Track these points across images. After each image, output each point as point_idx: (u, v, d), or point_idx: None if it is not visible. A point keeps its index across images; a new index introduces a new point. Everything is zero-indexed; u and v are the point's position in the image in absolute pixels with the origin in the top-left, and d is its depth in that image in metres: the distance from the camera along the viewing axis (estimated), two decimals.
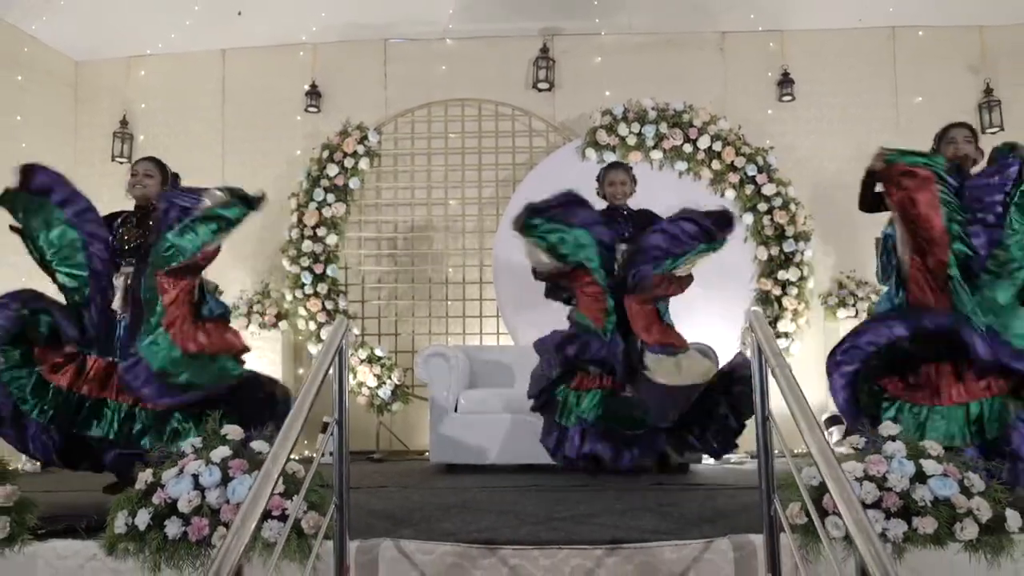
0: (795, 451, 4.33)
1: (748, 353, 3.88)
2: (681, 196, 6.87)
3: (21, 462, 6.09)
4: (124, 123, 7.62)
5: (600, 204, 5.19)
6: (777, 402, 2.87)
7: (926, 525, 2.94)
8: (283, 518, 3.00)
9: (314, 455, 3.22)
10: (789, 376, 2.82)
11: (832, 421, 6.58)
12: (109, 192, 7.37)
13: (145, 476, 3.26)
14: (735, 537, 3.14)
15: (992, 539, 2.95)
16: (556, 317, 5.74)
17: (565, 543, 3.15)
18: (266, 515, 2.93)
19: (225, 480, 3.14)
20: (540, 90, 7.50)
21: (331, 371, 3.09)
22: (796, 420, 2.59)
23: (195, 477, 3.16)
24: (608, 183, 5.16)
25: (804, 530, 2.99)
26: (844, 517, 2.16)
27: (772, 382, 3.01)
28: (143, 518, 3.10)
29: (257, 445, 3.38)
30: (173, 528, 3.06)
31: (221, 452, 3.25)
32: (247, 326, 6.92)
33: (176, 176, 4.84)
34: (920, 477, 3.03)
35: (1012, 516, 2.99)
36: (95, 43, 7.52)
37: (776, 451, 3.16)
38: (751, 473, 5.31)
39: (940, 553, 2.95)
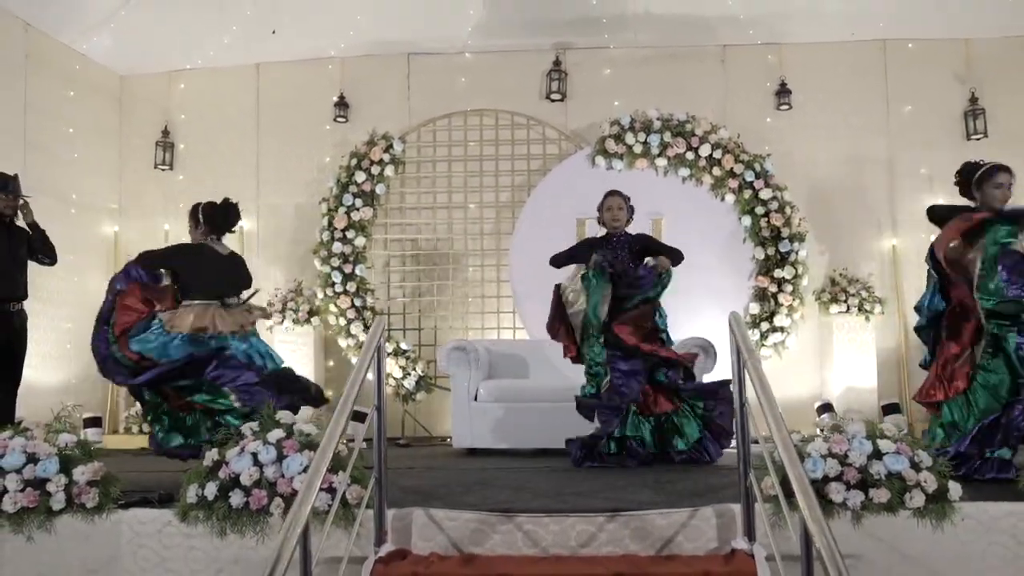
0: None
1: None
2: (684, 201, 7.42)
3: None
4: (165, 133, 8.16)
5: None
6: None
7: (881, 495, 3.44)
8: (330, 491, 3.51)
9: (351, 441, 3.74)
10: (760, 371, 3.33)
11: (824, 408, 7.07)
12: (151, 196, 8.02)
13: (212, 455, 3.81)
14: (717, 506, 3.67)
15: (937, 507, 3.45)
16: None
17: (571, 511, 3.69)
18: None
19: (280, 457, 3.69)
20: (553, 101, 7.98)
21: (370, 366, 3.63)
22: (762, 408, 3.11)
23: (254, 455, 3.71)
24: (606, 208, 5.53)
25: (775, 500, 3.50)
26: (794, 486, 2.67)
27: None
28: (211, 490, 3.64)
29: (306, 428, 3.93)
30: (236, 499, 3.61)
31: (276, 434, 3.79)
32: (282, 322, 7.47)
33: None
34: (877, 454, 3.54)
35: (954, 487, 3.49)
36: (138, 59, 8.07)
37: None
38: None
39: (892, 519, 3.46)
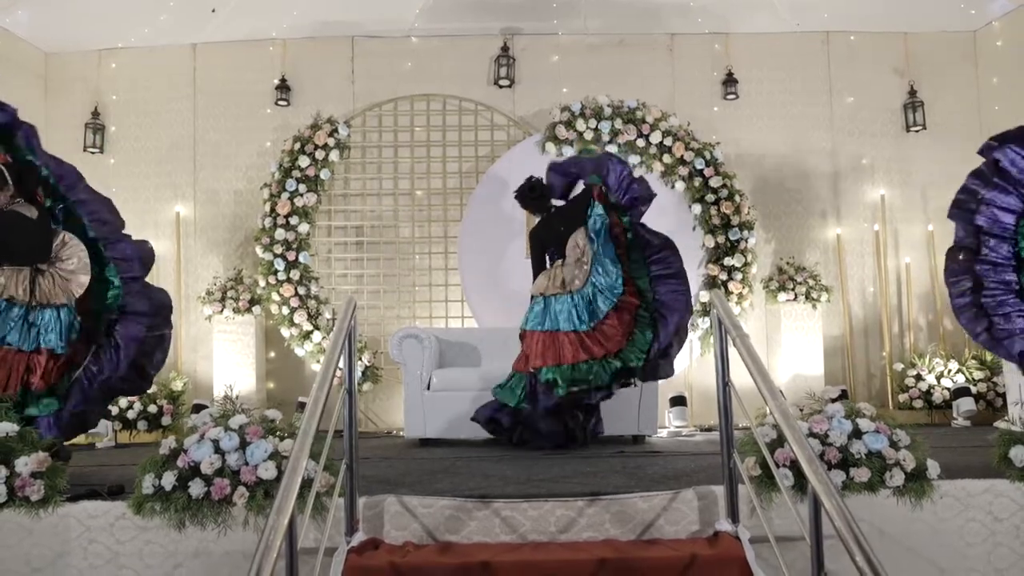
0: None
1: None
2: None
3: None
4: (96, 114, 7.77)
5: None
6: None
7: (861, 475, 3.44)
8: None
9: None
10: (751, 346, 3.28)
11: None
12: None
13: (168, 442, 3.59)
14: (699, 488, 3.61)
15: (916, 485, 3.47)
16: (517, 301, 6.17)
17: (550, 496, 3.59)
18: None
19: (243, 445, 3.50)
20: (501, 87, 7.86)
21: (343, 348, 3.47)
22: (757, 384, 3.06)
23: (215, 443, 3.51)
24: None
25: (759, 481, 3.46)
26: (800, 462, 2.61)
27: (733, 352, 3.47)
28: (168, 480, 3.44)
29: (270, 413, 3.74)
30: (196, 489, 3.41)
31: (239, 419, 3.60)
32: (221, 311, 7.19)
33: None
34: (856, 434, 3.53)
35: (932, 465, 3.52)
36: (66, 35, 7.65)
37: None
38: (702, 443, 5.86)
39: (873, 498, 3.46)
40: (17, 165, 4.58)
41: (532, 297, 5.59)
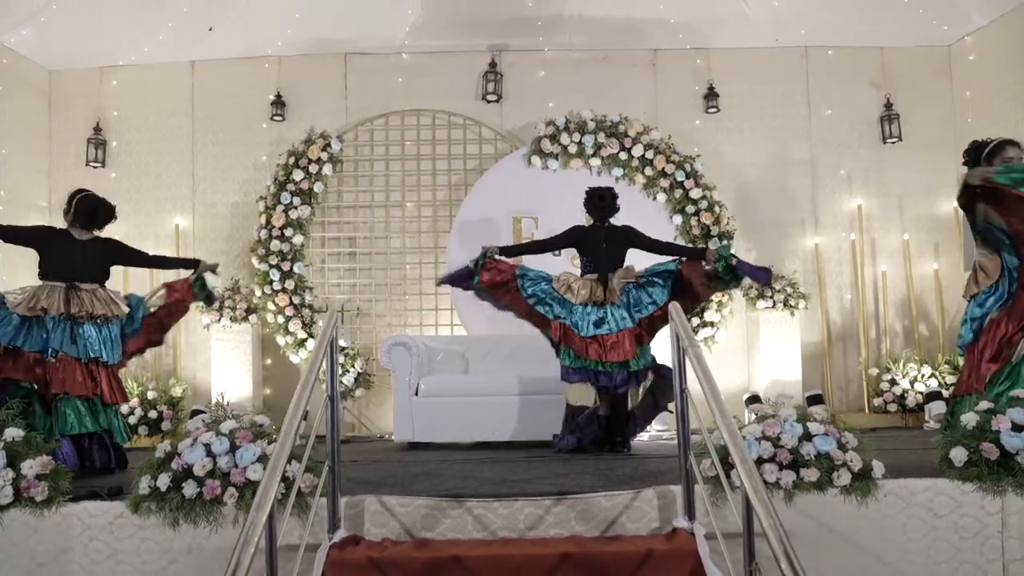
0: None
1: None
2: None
3: None
4: (98, 130, 8.02)
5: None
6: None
7: (811, 475, 3.68)
8: (285, 479, 3.58)
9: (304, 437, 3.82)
10: (701, 357, 3.52)
11: (752, 400, 7.36)
12: None
13: (164, 446, 3.85)
14: (658, 488, 3.85)
15: (862, 484, 3.71)
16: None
17: (519, 495, 3.83)
18: None
19: (233, 448, 3.75)
20: (489, 101, 8.11)
21: (325, 356, 3.71)
22: (704, 393, 3.29)
23: (207, 446, 3.76)
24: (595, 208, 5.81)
25: (713, 481, 3.70)
26: (736, 463, 2.84)
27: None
28: (164, 481, 3.69)
29: (259, 419, 4.00)
30: (190, 489, 3.66)
31: (229, 424, 3.85)
32: (219, 320, 7.44)
33: None
34: (807, 436, 3.77)
35: (877, 466, 3.75)
36: (68, 54, 7.90)
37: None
38: (675, 446, 6.05)
39: (822, 497, 3.71)
40: None
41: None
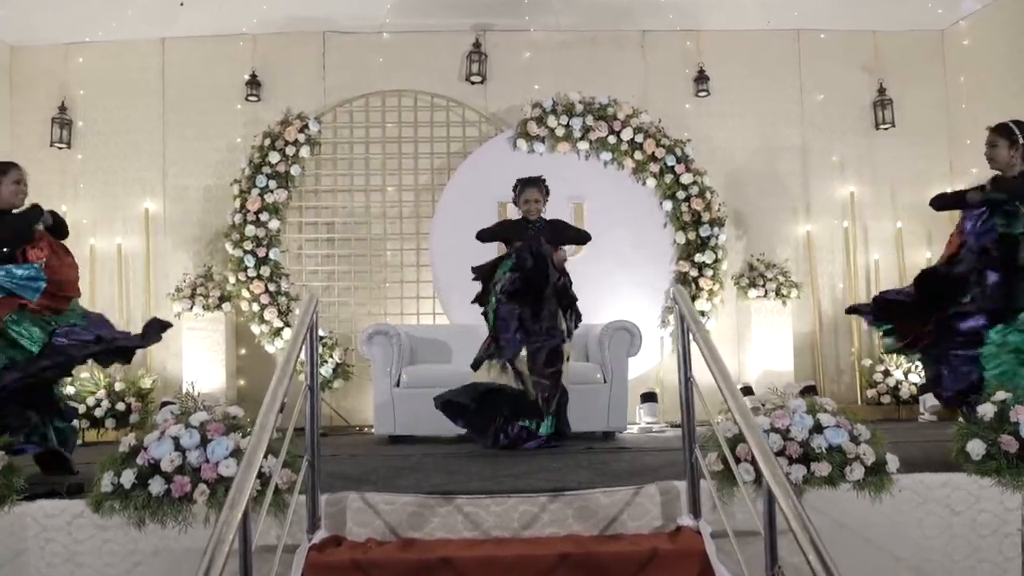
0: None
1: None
2: (606, 185, 7.43)
3: None
4: (63, 109, 7.67)
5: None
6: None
7: (822, 469, 3.47)
8: (261, 475, 3.32)
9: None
10: (710, 342, 3.30)
11: (744, 391, 7.16)
12: (47, 175, 7.52)
13: (128, 439, 3.57)
14: (661, 483, 3.62)
15: (875, 479, 3.50)
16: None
17: (512, 492, 3.59)
18: None
19: (204, 442, 3.47)
20: (473, 83, 7.84)
21: (304, 343, 3.45)
22: (716, 379, 3.08)
23: (175, 439, 3.49)
24: (523, 201, 5.47)
25: (720, 476, 3.48)
26: (757, 458, 2.62)
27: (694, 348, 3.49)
28: (128, 477, 3.41)
29: (232, 410, 3.72)
30: (156, 486, 3.39)
31: (200, 416, 3.57)
32: (191, 308, 7.14)
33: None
34: (818, 428, 3.55)
35: (891, 459, 3.55)
36: (31, 29, 7.55)
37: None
38: (672, 438, 5.87)
39: (833, 492, 3.49)
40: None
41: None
